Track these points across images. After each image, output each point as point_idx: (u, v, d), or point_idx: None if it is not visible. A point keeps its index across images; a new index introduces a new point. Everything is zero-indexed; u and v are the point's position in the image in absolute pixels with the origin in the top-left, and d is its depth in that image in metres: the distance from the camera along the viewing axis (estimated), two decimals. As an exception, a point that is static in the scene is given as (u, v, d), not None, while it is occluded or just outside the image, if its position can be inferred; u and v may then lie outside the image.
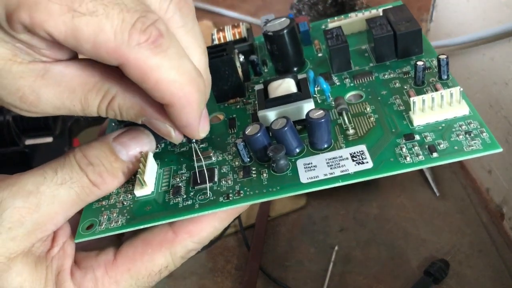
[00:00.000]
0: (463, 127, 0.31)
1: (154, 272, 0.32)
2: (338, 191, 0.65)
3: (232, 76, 0.38)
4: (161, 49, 0.25)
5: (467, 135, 0.30)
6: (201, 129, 0.30)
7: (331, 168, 0.31)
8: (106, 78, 0.28)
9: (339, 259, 0.58)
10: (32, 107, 0.28)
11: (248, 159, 0.33)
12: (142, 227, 0.31)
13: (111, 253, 0.32)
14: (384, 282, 0.55)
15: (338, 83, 0.37)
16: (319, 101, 0.36)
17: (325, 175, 0.31)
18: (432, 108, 0.31)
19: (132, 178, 0.33)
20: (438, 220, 0.60)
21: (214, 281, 0.58)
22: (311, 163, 0.32)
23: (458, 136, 0.30)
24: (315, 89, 0.37)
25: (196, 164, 0.34)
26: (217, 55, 0.37)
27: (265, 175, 0.32)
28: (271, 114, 0.34)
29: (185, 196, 0.32)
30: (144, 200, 0.33)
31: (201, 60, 0.30)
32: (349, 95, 0.36)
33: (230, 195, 0.32)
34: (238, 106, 0.39)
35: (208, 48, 0.36)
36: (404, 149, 0.31)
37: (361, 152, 0.31)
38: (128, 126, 0.34)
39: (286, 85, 0.35)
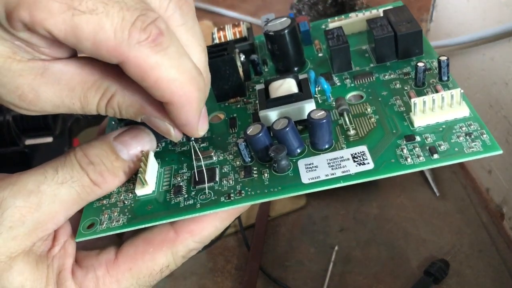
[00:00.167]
0: (464, 128, 0.31)
1: (155, 272, 0.32)
2: (338, 191, 0.65)
3: (233, 75, 0.38)
4: (161, 47, 0.25)
5: (467, 137, 0.30)
6: (200, 127, 0.30)
7: (332, 169, 0.31)
8: (106, 76, 0.28)
9: (339, 259, 0.58)
10: (31, 105, 0.28)
11: (249, 159, 0.33)
12: (143, 226, 0.31)
13: (112, 252, 0.32)
14: (384, 282, 0.55)
15: (338, 84, 0.38)
16: (319, 101, 0.36)
17: (326, 175, 0.31)
18: (432, 110, 0.32)
19: (133, 177, 0.34)
20: (438, 220, 0.60)
21: (214, 281, 0.58)
22: (312, 164, 0.32)
23: (458, 138, 0.30)
24: (316, 89, 0.37)
25: (195, 164, 0.34)
26: (218, 54, 0.37)
27: (266, 175, 0.32)
28: (272, 114, 0.34)
29: (186, 196, 0.32)
30: (145, 199, 0.33)
31: (201, 59, 0.30)
32: (349, 95, 0.36)
33: (232, 195, 0.32)
34: (238, 106, 0.39)
35: (209, 47, 0.36)
36: (405, 150, 0.31)
37: (362, 153, 0.31)
38: (129, 125, 0.34)
39: (287, 85, 0.35)
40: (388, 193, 0.64)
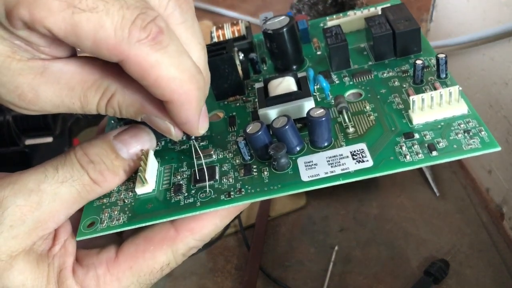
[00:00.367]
0: (462, 126, 0.31)
1: (155, 270, 0.32)
2: (338, 191, 0.65)
3: (232, 74, 0.38)
4: (161, 46, 0.25)
5: (466, 134, 0.30)
6: (200, 126, 0.30)
7: (331, 167, 0.31)
8: (106, 75, 0.28)
9: (339, 259, 0.58)
10: (31, 105, 0.28)
11: (249, 157, 0.33)
12: (144, 225, 0.31)
13: (112, 251, 0.32)
14: (384, 282, 0.55)
15: (337, 82, 0.38)
16: (318, 99, 0.37)
17: (326, 173, 0.31)
18: (431, 107, 0.32)
19: (133, 176, 0.34)
20: (438, 220, 0.60)
21: (214, 281, 0.58)
22: (312, 161, 0.32)
23: (457, 135, 0.31)
24: (315, 87, 0.37)
25: (196, 162, 0.34)
26: (217, 53, 0.37)
27: (266, 173, 0.32)
28: (271, 112, 0.34)
29: (186, 194, 0.33)
30: (145, 198, 0.33)
31: (200, 57, 0.30)
32: (348, 93, 0.36)
33: (231, 193, 0.32)
34: (238, 104, 0.39)
35: (208, 46, 0.36)
36: (404, 148, 0.31)
37: (361, 151, 0.31)
38: (128, 124, 0.34)
39: (286, 84, 0.35)
40: (388, 193, 0.64)
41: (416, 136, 0.31)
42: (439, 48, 0.61)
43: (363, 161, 0.31)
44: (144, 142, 0.34)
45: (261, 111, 0.34)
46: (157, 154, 0.36)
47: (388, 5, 0.39)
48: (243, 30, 0.42)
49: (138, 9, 0.25)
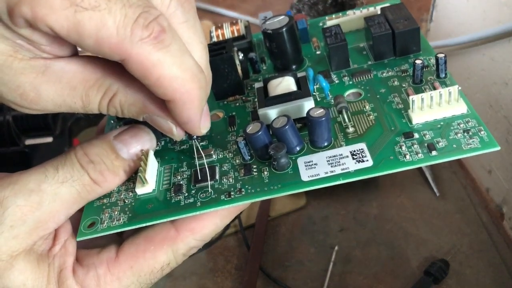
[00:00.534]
0: (462, 125, 0.31)
1: (156, 269, 0.32)
2: (338, 191, 0.65)
3: (232, 73, 0.38)
4: (163, 45, 0.25)
5: (465, 134, 0.30)
6: (202, 125, 0.30)
7: (331, 166, 0.31)
8: (108, 74, 0.28)
9: (339, 259, 0.58)
10: (32, 104, 0.28)
11: (249, 157, 0.33)
12: (144, 225, 0.31)
13: (113, 251, 0.32)
14: (384, 282, 0.55)
15: (337, 81, 0.38)
16: (318, 99, 0.37)
17: (326, 173, 0.31)
18: (430, 107, 0.32)
19: (133, 176, 0.34)
20: (438, 220, 0.60)
21: (214, 281, 0.58)
22: (312, 161, 0.32)
23: (456, 135, 0.31)
24: (314, 87, 0.37)
25: (197, 162, 0.34)
26: (217, 53, 0.37)
27: (266, 173, 0.32)
28: (271, 112, 0.34)
29: (186, 194, 0.33)
30: (146, 198, 0.33)
31: (202, 56, 0.30)
32: (348, 93, 0.37)
33: (232, 193, 0.32)
34: (237, 104, 0.39)
35: (208, 45, 0.36)
36: (403, 147, 0.31)
37: (361, 150, 0.31)
38: (128, 124, 0.34)
39: (286, 83, 0.35)
40: (388, 193, 0.64)
41: (416, 135, 0.31)
42: (439, 48, 0.61)
43: (363, 161, 0.31)
44: (144, 142, 0.34)
45: (261, 111, 0.34)
46: (157, 154, 0.36)
47: (388, 4, 0.39)
48: (243, 30, 0.42)
49: (141, 8, 0.25)
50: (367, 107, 0.35)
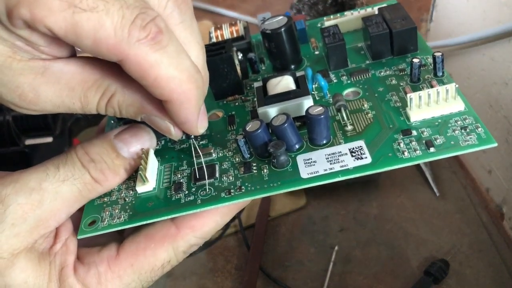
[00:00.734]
0: (459, 122, 0.31)
1: (156, 267, 0.32)
2: (338, 191, 0.65)
3: (231, 73, 0.38)
4: (160, 45, 0.26)
5: (463, 130, 0.31)
6: (199, 125, 0.30)
7: (330, 164, 0.31)
8: (106, 75, 0.29)
9: (339, 259, 0.58)
10: (31, 105, 0.28)
11: (249, 155, 0.34)
12: (145, 222, 0.32)
13: (113, 249, 0.32)
14: (384, 282, 0.55)
15: (335, 80, 0.38)
16: (317, 98, 0.37)
17: (325, 170, 0.31)
18: (428, 104, 0.32)
19: (133, 175, 0.34)
20: (438, 220, 0.60)
21: (214, 281, 0.58)
22: (311, 159, 0.32)
23: (454, 132, 0.31)
24: (313, 86, 0.37)
25: (195, 161, 0.34)
26: (216, 52, 0.37)
27: (265, 170, 0.32)
28: (270, 111, 0.34)
29: (187, 192, 0.33)
30: (146, 196, 0.33)
31: (199, 57, 0.30)
32: (346, 92, 0.37)
33: (232, 190, 0.32)
34: (236, 103, 0.39)
35: (207, 46, 0.37)
36: (401, 144, 0.31)
37: (360, 148, 0.32)
38: (128, 124, 0.35)
39: (285, 82, 0.35)
40: (388, 193, 0.64)
41: (414, 133, 0.32)
42: (439, 48, 0.62)
43: (362, 158, 0.31)
44: (144, 141, 0.34)
45: (260, 110, 0.34)
46: (157, 153, 0.36)
47: (385, 5, 0.39)
48: (242, 31, 0.42)
49: (138, 9, 0.25)
50: (365, 105, 0.35)
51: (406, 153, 0.30)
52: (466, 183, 0.63)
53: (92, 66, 0.28)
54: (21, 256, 0.29)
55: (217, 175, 0.33)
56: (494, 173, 0.58)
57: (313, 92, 0.37)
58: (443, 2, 0.63)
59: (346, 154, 0.32)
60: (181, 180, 0.34)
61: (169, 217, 0.32)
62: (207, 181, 0.33)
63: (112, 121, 0.40)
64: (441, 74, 0.35)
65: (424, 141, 0.31)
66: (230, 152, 0.35)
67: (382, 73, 0.37)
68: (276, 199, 0.65)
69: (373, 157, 0.31)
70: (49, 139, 0.66)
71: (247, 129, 0.32)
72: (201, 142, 0.36)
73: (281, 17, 0.38)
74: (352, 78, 0.37)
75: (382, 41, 0.37)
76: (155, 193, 0.33)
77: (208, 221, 0.32)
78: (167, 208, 0.32)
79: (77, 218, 0.33)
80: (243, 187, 0.32)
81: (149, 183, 0.33)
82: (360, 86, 0.37)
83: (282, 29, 0.37)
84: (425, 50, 0.38)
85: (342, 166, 0.31)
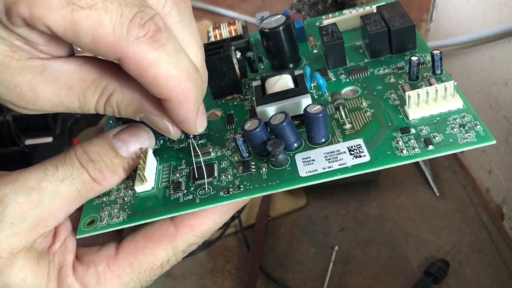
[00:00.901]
0: (458, 120, 0.31)
1: (156, 266, 0.32)
2: (338, 191, 0.65)
3: (229, 72, 0.38)
4: (159, 44, 0.26)
5: (461, 128, 0.31)
6: (198, 124, 0.30)
7: (329, 162, 0.31)
8: (105, 74, 0.29)
9: (339, 259, 0.58)
10: (29, 104, 0.28)
11: (247, 154, 0.34)
12: (143, 222, 0.32)
13: (112, 248, 0.32)
14: (384, 282, 0.55)
15: (334, 79, 0.38)
16: (315, 97, 0.37)
17: (324, 168, 0.31)
18: (427, 102, 0.32)
19: (132, 174, 0.34)
20: (438, 220, 0.60)
21: (214, 281, 0.58)
22: (310, 157, 0.32)
23: (452, 129, 0.31)
24: (312, 84, 0.37)
25: (194, 160, 0.34)
26: (215, 52, 0.37)
27: (264, 169, 0.32)
28: (269, 110, 0.34)
29: (185, 191, 0.33)
30: (145, 196, 0.33)
31: (198, 56, 0.30)
32: (345, 90, 0.37)
33: (230, 189, 0.32)
34: (235, 103, 0.39)
35: (205, 45, 0.37)
36: (400, 142, 0.31)
37: (358, 146, 0.32)
38: (127, 123, 0.35)
39: (283, 81, 0.35)
40: (388, 193, 0.64)
41: (412, 131, 0.32)
42: (439, 48, 0.62)
43: (360, 156, 0.31)
44: (143, 141, 0.34)
45: (258, 109, 0.34)
46: (156, 152, 0.36)
47: (383, 3, 0.40)
48: (240, 30, 0.42)
49: (137, 7, 0.25)
50: (364, 103, 0.35)
51: (404, 151, 0.30)
52: (466, 183, 0.63)
53: (91, 65, 0.28)
54: (20, 255, 0.29)
55: (215, 174, 0.33)
56: (494, 173, 0.58)
57: (311, 91, 0.37)
58: (443, 2, 0.63)
59: (344, 152, 0.32)
60: (180, 180, 0.34)
61: (168, 216, 0.32)
62: (206, 180, 0.33)
63: (111, 121, 0.40)
64: (439, 72, 0.35)
65: (422, 139, 0.31)
66: (228, 151, 0.35)
67: (381, 71, 0.37)
68: (276, 199, 0.65)
69: (371, 155, 0.31)
70: (49, 139, 0.66)
71: (245, 128, 0.32)
72: (199, 142, 0.36)
73: (279, 16, 0.38)
74: (350, 77, 0.37)
75: (381, 39, 0.37)
76: (153, 193, 0.33)
77: (207, 220, 0.32)
78: (166, 208, 0.32)
79: (76, 218, 0.33)
80: (241, 186, 0.32)
81: (147, 183, 0.33)
82: (359, 85, 0.37)
83: (280, 28, 0.37)
84: (424, 48, 0.38)
85: (340, 165, 0.31)
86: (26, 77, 0.27)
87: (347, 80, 0.37)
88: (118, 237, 0.34)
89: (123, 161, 0.33)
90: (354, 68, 0.38)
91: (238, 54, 0.39)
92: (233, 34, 0.42)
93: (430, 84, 0.34)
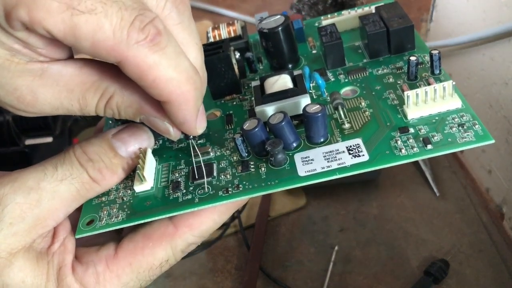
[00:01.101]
0: (456, 119, 0.31)
1: (155, 266, 0.32)
2: (338, 191, 0.65)
3: (229, 73, 0.38)
4: (159, 47, 0.26)
5: (460, 127, 0.31)
6: (198, 125, 0.30)
7: (328, 161, 0.31)
8: (104, 76, 0.29)
9: (339, 259, 0.58)
10: (29, 107, 0.28)
11: (246, 154, 0.34)
12: (143, 221, 0.32)
13: (112, 248, 0.32)
14: (384, 282, 0.55)
15: (332, 79, 0.38)
16: (314, 97, 0.37)
17: (323, 168, 0.31)
18: (425, 102, 0.32)
19: (131, 174, 0.34)
20: (438, 220, 0.60)
21: (214, 281, 0.58)
22: (309, 157, 0.32)
23: (451, 129, 0.31)
24: (311, 85, 0.37)
25: (194, 160, 0.35)
26: (214, 52, 0.37)
27: (263, 169, 0.33)
28: (268, 109, 0.34)
29: (184, 191, 0.33)
30: (144, 196, 0.33)
31: (197, 58, 0.30)
32: (344, 90, 0.37)
33: (229, 189, 0.32)
34: (234, 103, 0.39)
35: (205, 45, 0.37)
36: (399, 142, 0.31)
37: (357, 145, 0.32)
38: (126, 123, 0.35)
39: (282, 81, 0.35)
40: (388, 193, 0.64)
41: (411, 130, 0.32)
42: (439, 48, 0.62)
43: (359, 156, 0.31)
44: (142, 141, 0.34)
45: (257, 108, 0.34)
46: (155, 152, 0.36)
47: (382, 3, 0.40)
48: (239, 30, 0.42)
49: (136, 11, 0.25)
50: (362, 103, 0.35)
51: (403, 151, 0.31)
52: (466, 183, 0.63)
53: (91, 68, 0.29)
54: (19, 255, 0.29)
55: (215, 173, 0.33)
56: (494, 173, 0.57)
57: (310, 91, 0.37)
58: (443, 2, 0.63)
59: (343, 152, 0.32)
60: (179, 179, 0.34)
61: (167, 216, 0.32)
62: (205, 180, 0.33)
63: (110, 122, 0.40)
64: (438, 72, 0.35)
65: (421, 138, 0.31)
66: (228, 151, 0.35)
67: (380, 72, 0.37)
68: (276, 199, 0.65)
69: (370, 155, 0.31)
70: (49, 139, 0.66)
71: (244, 127, 0.32)
72: (199, 141, 0.36)
73: (278, 16, 0.38)
74: (349, 77, 0.37)
75: (379, 40, 0.37)
76: (153, 192, 0.33)
77: (206, 219, 0.32)
78: (165, 207, 0.32)
79: (75, 218, 0.33)
80: (240, 186, 0.32)
81: (147, 182, 0.33)
82: (358, 85, 0.37)
83: (279, 28, 0.37)
84: (422, 48, 0.38)
85: (339, 164, 0.31)
86: (26, 80, 0.27)
87: (346, 80, 0.37)
88: (117, 237, 0.34)
89: (122, 161, 0.33)
90: (353, 68, 0.38)
91: (237, 55, 0.39)
92: (232, 34, 0.42)
93: (429, 84, 0.34)
